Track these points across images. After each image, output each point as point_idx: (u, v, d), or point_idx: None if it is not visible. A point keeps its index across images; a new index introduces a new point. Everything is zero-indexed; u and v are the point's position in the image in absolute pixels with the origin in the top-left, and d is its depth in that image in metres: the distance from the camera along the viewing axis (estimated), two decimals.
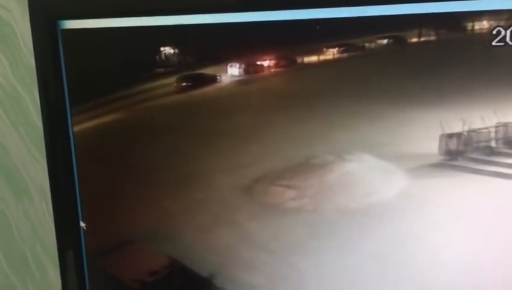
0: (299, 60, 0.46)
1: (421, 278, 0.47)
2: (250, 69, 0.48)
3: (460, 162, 0.43)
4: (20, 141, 0.84)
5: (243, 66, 0.48)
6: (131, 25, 0.52)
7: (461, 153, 0.42)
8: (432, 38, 0.41)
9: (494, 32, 0.39)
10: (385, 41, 0.43)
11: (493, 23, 0.39)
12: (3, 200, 0.86)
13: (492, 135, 0.41)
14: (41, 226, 0.85)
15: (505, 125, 0.41)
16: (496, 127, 0.41)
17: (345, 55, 0.44)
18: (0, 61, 0.82)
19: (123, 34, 0.53)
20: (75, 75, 0.57)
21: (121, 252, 0.60)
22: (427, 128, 0.43)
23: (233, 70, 0.49)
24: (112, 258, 0.61)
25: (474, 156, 0.42)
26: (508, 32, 0.39)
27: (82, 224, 0.61)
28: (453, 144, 0.42)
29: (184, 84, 0.51)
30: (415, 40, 0.42)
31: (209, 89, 0.50)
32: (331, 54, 0.45)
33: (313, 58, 0.46)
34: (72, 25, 0.55)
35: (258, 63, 0.47)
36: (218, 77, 0.49)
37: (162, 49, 0.51)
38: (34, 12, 0.57)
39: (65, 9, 0.56)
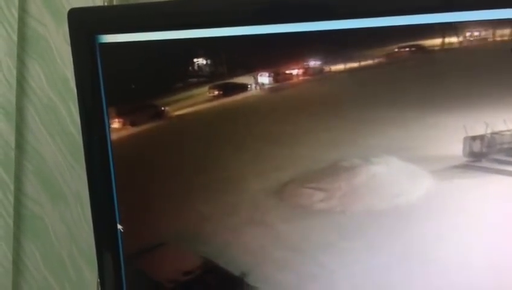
0: (326, 68, 0.49)
1: (447, 278, 0.48)
2: (280, 78, 0.50)
3: (484, 163, 0.44)
4: (56, 149, 0.88)
5: (272, 75, 0.51)
6: (166, 38, 0.55)
7: (485, 155, 0.44)
8: (456, 46, 0.43)
9: None
10: (410, 49, 0.45)
11: None
12: (40, 205, 0.89)
13: None
14: (77, 230, 0.89)
15: None
16: None
17: (371, 63, 0.46)
18: (36, 73, 0.86)
19: (158, 47, 0.56)
20: (113, 86, 0.60)
21: (157, 253, 0.63)
22: (451, 132, 0.44)
23: (264, 79, 0.51)
24: (147, 259, 0.64)
25: (498, 157, 0.44)
26: None
27: (119, 226, 0.64)
28: (476, 146, 0.44)
29: (217, 92, 0.54)
30: (439, 48, 0.44)
31: (240, 97, 0.53)
32: (357, 62, 0.47)
33: (341, 67, 0.48)
34: (110, 39, 0.59)
35: (288, 72, 0.50)
36: (249, 86, 0.52)
37: (195, 60, 0.54)
38: (74, 28, 0.61)
39: (103, 25, 0.59)
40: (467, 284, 0.48)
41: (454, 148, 0.45)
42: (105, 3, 0.80)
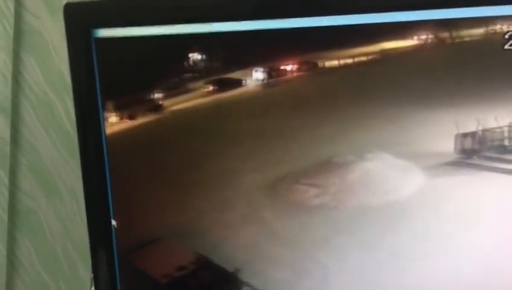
0: (320, 64, 0.49)
1: (438, 273, 0.49)
2: (275, 74, 0.51)
3: (475, 160, 0.45)
4: (51, 144, 0.88)
5: (267, 70, 0.51)
6: (162, 33, 0.55)
7: (476, 152, 0.44)
8: (448, 42, 0.44)
9: (506, 36, 0.42)
10: (403, 45, 0.45)
11: (505, 28, 0.42)
12: (35, 200, 0.89)
13: (506, 134, 0.43)
14: (71, 225, 0.89)
15: None
16: (509, 126, 0.43)
17: (365, 59, 0.47)
18: (32, 68, 0.86)
19: (154, 42, 0.56)
20: (108, 80, 0.60)
21: (151, 248, 0.63)
22: (443, 128, 0.45)
23: (258, 75, 0.51)
24: (141, 255, 0.64)
25: (489, 154, 0.44)
26: None
27: (113, 222, 0.64)
28: (468, 143, 0.44)
29: (212, 88, 0.54)
30: (431, 44, 0.44)
31: (235, 93, 0.53)
32: (351, 58, 0.47)
33: (334, 63, 0.48)
34: (106, 33, 0.59)
35: (282, 67, 0.50)
36: (244, 81, 0.52)
37: (191, 55, 0.54)
38: (69, 22, 0.61)
39: (99, 19, 0.60)
40: (458, 280, 0.48)
41: (446, 144, 0.45)
42: None
